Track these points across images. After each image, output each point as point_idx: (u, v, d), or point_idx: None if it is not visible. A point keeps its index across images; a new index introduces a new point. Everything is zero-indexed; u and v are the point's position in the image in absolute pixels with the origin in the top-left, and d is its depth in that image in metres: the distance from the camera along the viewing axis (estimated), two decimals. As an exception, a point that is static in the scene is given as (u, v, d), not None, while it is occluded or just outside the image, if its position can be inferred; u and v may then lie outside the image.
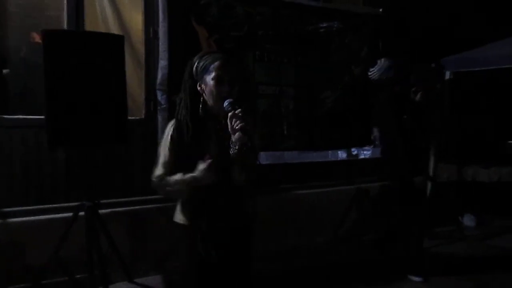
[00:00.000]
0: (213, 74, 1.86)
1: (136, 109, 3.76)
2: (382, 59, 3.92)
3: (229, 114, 1.78)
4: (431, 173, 5.14)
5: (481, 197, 5.39)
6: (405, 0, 5.26)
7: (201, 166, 1.76)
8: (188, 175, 1.79)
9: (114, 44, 3.06)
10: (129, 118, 3.50)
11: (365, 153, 5.02)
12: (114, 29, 3.62)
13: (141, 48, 3.76)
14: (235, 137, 1.75)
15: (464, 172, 5.14)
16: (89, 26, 3.53)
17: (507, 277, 3.77)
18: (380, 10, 5.04)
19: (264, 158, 4.27)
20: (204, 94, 1.89)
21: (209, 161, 1.75)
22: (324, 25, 4.66)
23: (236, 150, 1.76)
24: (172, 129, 1.90)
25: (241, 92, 1.98)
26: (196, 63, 1.92)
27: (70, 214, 3.07)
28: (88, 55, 2.90)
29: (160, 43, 3.70)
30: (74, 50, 2.86)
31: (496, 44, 5.12)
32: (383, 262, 3.97)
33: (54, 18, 3.48)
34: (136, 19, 3.77)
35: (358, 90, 4.89)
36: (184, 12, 3.80)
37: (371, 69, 3.97)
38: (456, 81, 5.13)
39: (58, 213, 3.30)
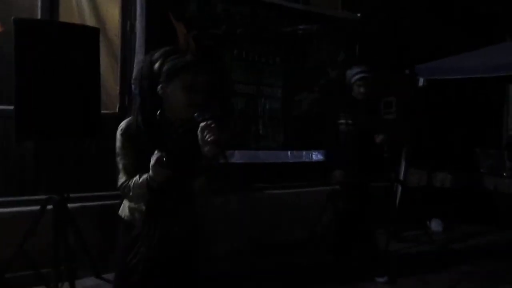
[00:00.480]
0: (183, 81, 1.69)
1: (111, 103, 3.72)
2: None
3: (201, 125, 1.63)
4: (401, 177, 5.26)
5: (449, 202, 5.54)
6: (383, 7, 5.37)
7: (152, 161, 1.63)
8: (144, 176, 1.67)
9: (89, 36, 3.02)
10: (103, 112, 3.49)
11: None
12: (91, 22, 3.56)
13: (117, 41, 3.72)
14: (205, 149, 1.63)
15: (433, 177, 5.27)
16: (64, 18, 3.47)
17: (470, 279, 3.87)
18: (358, 15, 5.13)
19: (239, 156, 4.30)
20: (166, 99, 1.71)
21: (158, 155, 1.61)
22: (303, 27, 4.71)
23: (204, 162, 1.67)
24: (121, 134, 1.75)
25: (216, 97, 1.92)
26: (159, 62, 1.71)
27: (38, 207, 3.02)
28: (61, 46, 2.85)
29: (137, 38, 3.67)
30: (46, 40, 2.80)
31: (470, 54, 5.27)
32: (352, 263, 4.03)
33: (27, 8, 3.39)
34: (113, 12, 3.73)
35: (334, 93, 4.96)
36: (163, 7, 3.77)
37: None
38: (429, 88, 5.27)
39: (26, 206, 3.23)
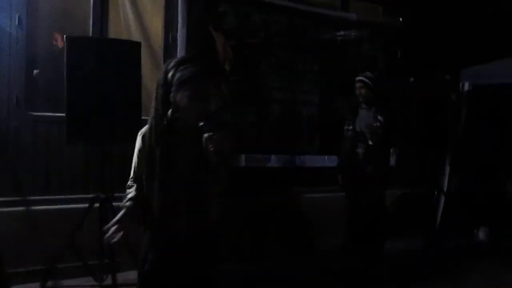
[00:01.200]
0: (189, 91, 1.78)
1: (154, 109, 3.98)
2: None
3: (205, 135, 1.75)
4: (445, 184, 5.15)
5: (499, 210, 5.33)
6: (425, 11, 5.27)
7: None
8: (126, 204, 1.88)
9: (132, 50, 3.29)
10: (146, 117, 3.75)
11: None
12: (136, 34, 3.86)
13: (160, 52, 3.99)
14: (209, 157, 1.76)
15: (476, 185, 5.10)
16: (112, 31, 3.79)
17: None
18: (400, 19, 5.08)
19: (275, 160, 4.44)
20: (176, 106, 1.81)
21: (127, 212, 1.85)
22: (341, 33, 4.76)
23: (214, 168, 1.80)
24: (140, 138, 1.91)
25: (220, 107, 2.01)
26: (172, 71, 1.80)
27: (87, 205, 3.32)
28: (107, 59, 3.14)
29: (178, 48, 3.91)
30: (94, 54, 3.11)
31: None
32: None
33: (81, 23, 3.74)
34: (157, 25, 4.00)
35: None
36: (203, 19, 4.01)
37: None
38: (476, 93, 5.11)
39: (77, 204, 3.55)
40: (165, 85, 1.82)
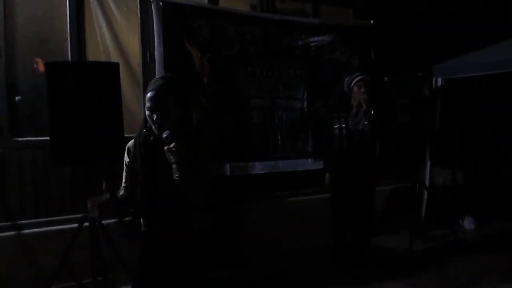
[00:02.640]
0: (147, 104, 2.02)
1: (137, 126, 4.05)
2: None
3: (165, 148, 1.92)
4: (426, 178, 5.30)
5: (482, 200, 5.49)
6: (395, 11, 5.45)
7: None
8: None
9: (110, 71, 3.36)
10: (130, 135, 3.83)
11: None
12: (114, 54, 3.95)
13: (139, 70, 4.08)
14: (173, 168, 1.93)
15: (458, 176, 5.27)
16: (91, 53, 3.88)
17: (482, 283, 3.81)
18: (371, 22, 5.24)
19: (259, 167, 4.55)
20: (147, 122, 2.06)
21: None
22: (314, 39, 4.89)
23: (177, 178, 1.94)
24: (126, 153, 2.14)
25: (184, 118, 2.10)
26: (146, 89, 2.08)
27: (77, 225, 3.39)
28: (87, 82, 3.21)
29: (156, 65, 3.99)
30: (73, 78, 3.17)
31: (485, 50, 5.24)
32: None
33: (59, 48, 3.83)
34: (134, 44, 4.09)
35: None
36: (178, 35, 4.10)
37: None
38: (448, 87, 5.28)
39: (67, 224, 3.62)
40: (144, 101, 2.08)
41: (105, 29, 3.95)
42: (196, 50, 4.19)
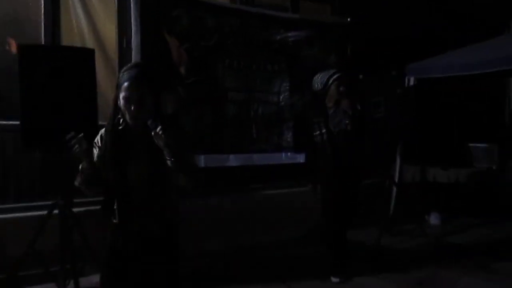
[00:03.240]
0: (123, 94, 1.97)
1: (111, 114, 4.03)
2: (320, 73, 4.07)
3: (152, 133, 1.92)
4: (397, 174, 5.44)
5: (448, 196, 5.70)
6: (372, 10, 5.55)
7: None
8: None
9: (85, 56, 3.33)
10: (104, 122, 3.79)
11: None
12: (90, 41, 3.89)
13: (115, 57, 4.02)
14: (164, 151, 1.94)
15: (426, 173, 5.43)
16: (65, 37, 3.81)
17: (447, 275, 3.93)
18: (348, 19, 5.32)
19: (233, 159, 4.56)
20: (120, 108, 2.01)
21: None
22: (292, 34, 4.92)
23: (171, 161, 1.95)
24: (98, 137, 2.09)
25: (162, 106, 2.12)
26: (120, 75, 2.02)
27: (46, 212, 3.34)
28: (61, 67, 3.17)
29: (133, 53, 3.91)
30: (47, 62, 3.12)
31: (458, 51, 5.41)
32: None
33: (32, 31, 3.74)
34: (110, 31, 4.03)
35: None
36: (156, 23, 4.04)
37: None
38: (422, 86, 5.43)
39: (36, 211, 3.56)
40: (116, 88, 2.03)
41: (81, 14, 3.90)
42: (174, 40, 4.14)
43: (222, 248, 4.26)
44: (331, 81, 3.86)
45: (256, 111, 4.72)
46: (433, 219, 5.79)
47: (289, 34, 4.90)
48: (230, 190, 4.49)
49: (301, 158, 5.03)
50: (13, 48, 3.61)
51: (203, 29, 4.33)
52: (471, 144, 5.48)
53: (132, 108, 1.96)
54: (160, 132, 1.91)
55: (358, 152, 3.93)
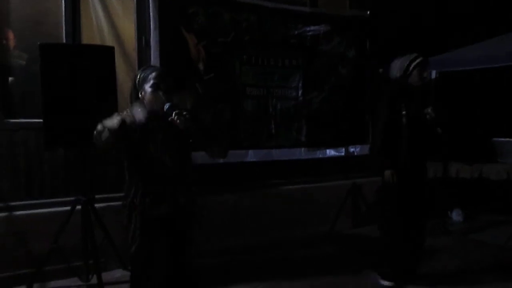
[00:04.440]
0: (150, 82, 2.20)
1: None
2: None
3: (173, 114, 2.09)
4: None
5: (470, 192, 5.56)
6: (392, 2, 5.45)
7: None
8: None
9: (105, 54, 3.38)
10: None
11: (353, 150, 5.26)
12: (109, 39, 3.92)
13: (134, 55, 4.05)
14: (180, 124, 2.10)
15: (449, 168, 5.32)
16: (85, 36, 3.85)
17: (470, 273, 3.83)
18: (368, 12, 5.24)
19: (252, 155, 4.57)
20: (144, 101, 2.21)
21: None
22: (311, 28, 4.89)
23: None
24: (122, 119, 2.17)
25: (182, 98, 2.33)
26: (138, 75, 2.28)
27: (69, 208, 3.40)
28: (81, 65, 3.22)
29: (152, 51, 3.98)
30: (68, 60, 3.19)
31: (481, 44, 5.28)
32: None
33: (53, 31, 3.80)
34: (129, 29, 4.06)
35: (345, 90, 5.13)
36: (174, 21, 4.09)
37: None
38: (442, 80, 5.31)
39: (59, 207, 3.63)
40: (135, 86, 2.29)
41: (100, 13, 3.92)
42: (192, 37, 4.18)
43: (240, 245, 4.26)
44: (412, 66, 3.54)
45: (274, 106, 4.72)
46: (456, 215, 5.66)
47: (307, 29, 4.89)
48: (249, 187, 4.49)
49: (321, 153, 5.04)
50: (11, 43, 3.66)
51: (220, 26, 4.36)
52: (495, 139, 5.33)
53: (161, 94, 2.17)
54: (183, 113, 2.08)
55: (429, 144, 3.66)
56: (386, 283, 3.53)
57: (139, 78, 2.26)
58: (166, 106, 2.12)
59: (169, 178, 2.22)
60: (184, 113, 2.08)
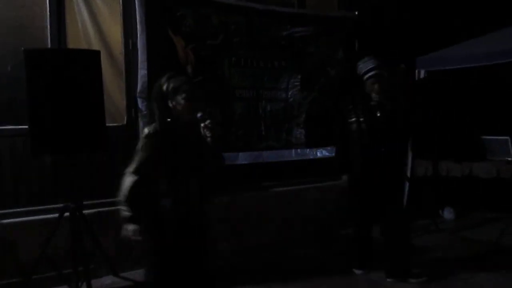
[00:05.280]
0: (184, 95, 2.33)
1: (119, 115, 4.03)
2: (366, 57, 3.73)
3: (201, 125, 2.31)
4: (408, 169, 5.36)
5: (461, 191, 5.59)
6: (380, 2, 5.46)
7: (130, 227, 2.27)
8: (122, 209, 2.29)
9: (91, 59, 3.33)
10: (112, 124, 3.83)
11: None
12: (95, 43, 3.87)
13: (121, 59, 4.01)
14: (207, 140, 2.33)
15: (439, 167, 5.34)
16: (71, 41, 3.81)
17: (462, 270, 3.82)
18: (356, 13, 5.25)
19: (243, 157, 4.55)
20: (175, 110, 2.35)
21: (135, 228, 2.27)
22: (299, 29, 4.88)
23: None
24: (144, 137, 2.34)
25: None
26: (165, 85, 2.37)
27: (57, 215, 3.35)
28: (67, 69, 3.17)
29: (139, 54, 3.94)
30: (53, 65, 3.13)
31: (469, 43, 5.30)
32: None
33: (38, 35, 3.75)
34: (116, 32, 4.02)
35: (334, 91, 5.12)
36: (161, 24, 4.05)
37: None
38: (433, 79, 5.34)
39: (47, 214, 3.58)
40: (162, 95, 2.37)
41: (86, 16, 3.87)
42: (180, 39, 4.15)
43: (231, 247, 4.24)
44: (365, 78, 3.60)
45: (264, 108, 4.71)
46: (447, 213, 5.70)
47: (296, 30, 4.88)
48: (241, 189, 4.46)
49: (312, 154, 5.03)
50: None
51: (208, 28, 4.33)
52: (484, 137, 5.36)
53: (193, 104, 2.34)
54: (210, 125, 2.29)
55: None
56: (357, 271, 3.79)
57: (167, 88, 2.35)
58: (199, 114, 2.32)
59: (194, 192, 2.37)
60: (215, 120, 2.31)
